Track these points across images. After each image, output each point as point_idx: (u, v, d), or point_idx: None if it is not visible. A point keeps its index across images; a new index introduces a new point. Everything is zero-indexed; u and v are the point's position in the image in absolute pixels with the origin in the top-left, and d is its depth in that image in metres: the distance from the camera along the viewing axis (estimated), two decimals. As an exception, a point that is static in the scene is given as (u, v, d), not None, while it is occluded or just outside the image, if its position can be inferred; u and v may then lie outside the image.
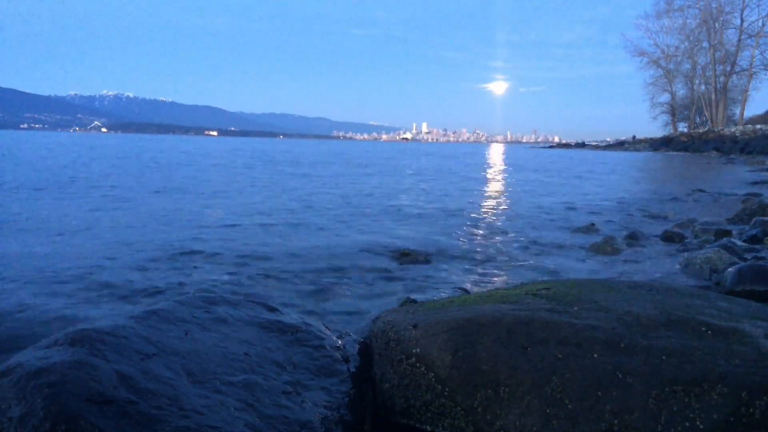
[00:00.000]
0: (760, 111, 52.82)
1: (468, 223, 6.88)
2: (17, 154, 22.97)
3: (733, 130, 41.72)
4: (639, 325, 1.69)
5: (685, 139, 44.96)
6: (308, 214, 7.40)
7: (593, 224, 6.50)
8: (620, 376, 1.52)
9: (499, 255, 4.93)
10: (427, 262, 4.57)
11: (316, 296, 3.58)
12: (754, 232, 5.20)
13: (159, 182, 11.82)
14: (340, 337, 2.16)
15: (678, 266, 4.24)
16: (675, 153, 40.58)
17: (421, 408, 1.73)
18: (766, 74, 46.57)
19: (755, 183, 12.96)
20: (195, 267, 4.19)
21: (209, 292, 2.60)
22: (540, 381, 1.57)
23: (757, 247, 4.77)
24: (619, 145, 58.15)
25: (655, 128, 66.56)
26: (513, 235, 6.03)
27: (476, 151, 67.26)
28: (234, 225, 6.26)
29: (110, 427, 1.29)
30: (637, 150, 49.62)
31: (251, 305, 2.14)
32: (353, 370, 1.91)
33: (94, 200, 8.41)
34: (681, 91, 56.38)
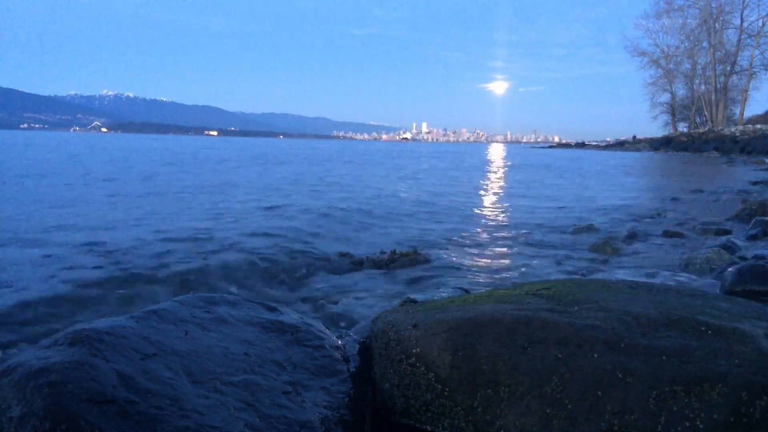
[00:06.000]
0: (760, 111, 52.76)
1: (469, 222, 6.88)
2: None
3: (733, 130, 41.68)
4: (639, 325, 1.69)
5: (685, 139, 44.92)
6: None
7: (593, 224, 6.50)
8: (620, 376, 1.52)
9: (499, 255, 4.93)
10: (427, 261, 4.57)
11: (317, 296, 3.58)
12: (754, 232, 5.20)
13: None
14: (340, 337, 2.15)
15: (678, 266, 4.24)
16: (675, 153, 40.55)
17: (421, 408, 1.73)
18: (766, 74, 46.54)
19: (755, 183, 12.95)
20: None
21: (209, 292, 2.60)
22: (540, 381, 1.57)
23: (757, 247, 4.78)
24: (619, 145, 58.14)
25: (655, 128, 66.54)
26: (513, 234, 6.03)
27: (488, 150, 67.65)
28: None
29: (110, 427, 1.29)
30: (638, 150, 49.60)
31: (251, 305, 2.14)
32: (353, 370, 1.91)
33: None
34: (681, 91, 56.36)
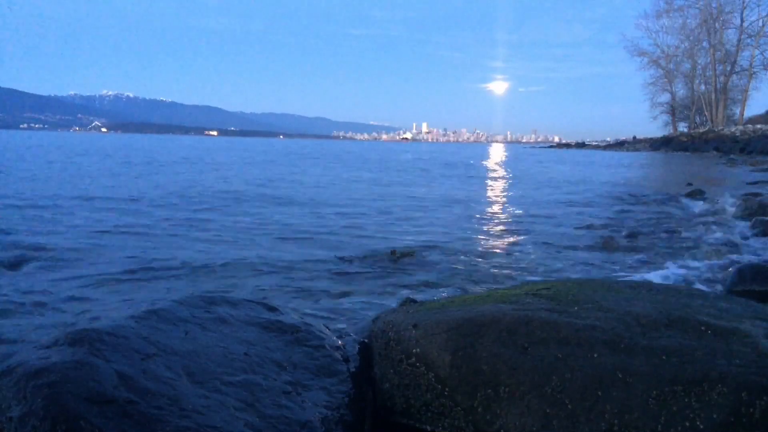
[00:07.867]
0: (760, 111, 52.60)
1: (468, 221, 6.88)
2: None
3: (733, 130, 41.63)
4: (639, 325, 1.69)
5: (685, 139, 44.87)
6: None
7: (592, 224, 6.50)
8: (620, 376, 1.52)
9: (499, 254, 4.93)
10: (426, 262, 4.56)
11: (316, 296, 3.58)
12: (754, 232, 5.20)
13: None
14: (340, 337, 2.15)
15: (678, 266, 4.23)
16: (675, 153, 40.54)
17: (421, 408, 1.73)
18: (766, 74, 46.44)
19: (755, 183, 12.94)
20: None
21: (209, 292, 2.60)
22: (540, 381, 1.57)
23: (757, 247, 4.78)
24: (620, 145, 58.10)
25: (655, 128, 66.45)
26: (513, 234, 6.03)
27: (489, 150, 68.12)
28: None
29: (110, 427, 1.29)
30: (637, 150, 49.58)
31: (251, 305, 2.14)
32: (353, 370, 1.91)
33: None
34: (681, 91, 56.23)
